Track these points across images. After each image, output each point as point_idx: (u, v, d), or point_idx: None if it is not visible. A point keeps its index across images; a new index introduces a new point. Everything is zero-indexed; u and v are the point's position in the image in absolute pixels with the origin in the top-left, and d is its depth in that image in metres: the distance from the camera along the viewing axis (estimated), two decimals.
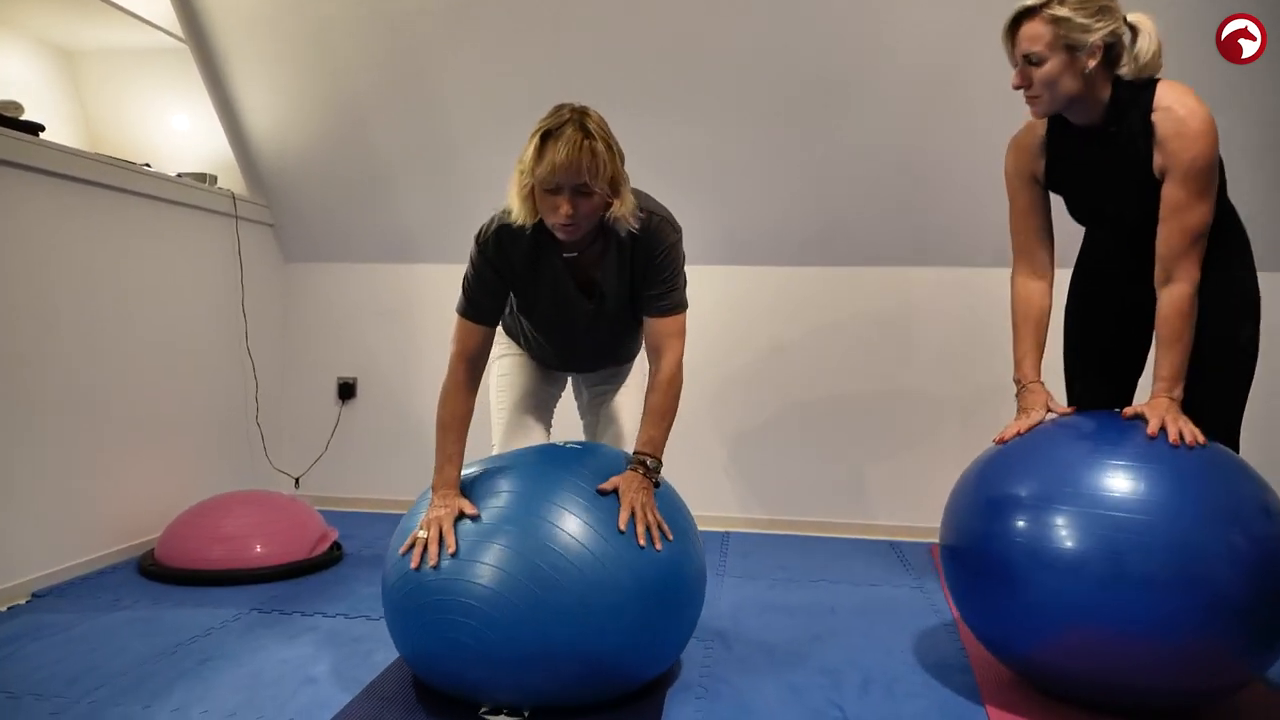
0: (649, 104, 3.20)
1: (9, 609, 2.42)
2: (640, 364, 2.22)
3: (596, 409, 2.24)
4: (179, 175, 3.22)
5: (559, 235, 1.79)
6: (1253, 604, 1.66)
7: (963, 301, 3.45)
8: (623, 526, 1.69)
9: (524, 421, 2.17)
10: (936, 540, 3.35)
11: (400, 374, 3.73)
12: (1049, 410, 2.01)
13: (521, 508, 1.72)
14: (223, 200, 3.37)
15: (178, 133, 3.49)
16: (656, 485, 1.83)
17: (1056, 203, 2.08)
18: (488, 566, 1.65)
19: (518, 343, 2.21)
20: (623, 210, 1.76)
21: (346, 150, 3.51)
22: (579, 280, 1.93)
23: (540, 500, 1.72)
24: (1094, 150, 1.93)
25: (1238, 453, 1.97)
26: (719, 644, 2.23)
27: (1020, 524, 1.79)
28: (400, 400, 3.70)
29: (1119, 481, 1.72)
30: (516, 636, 1.63)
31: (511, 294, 1.99)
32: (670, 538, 1.75)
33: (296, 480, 3.80)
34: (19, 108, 2.60)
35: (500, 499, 1.75)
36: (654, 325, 1.91)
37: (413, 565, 1.71)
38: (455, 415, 1.89)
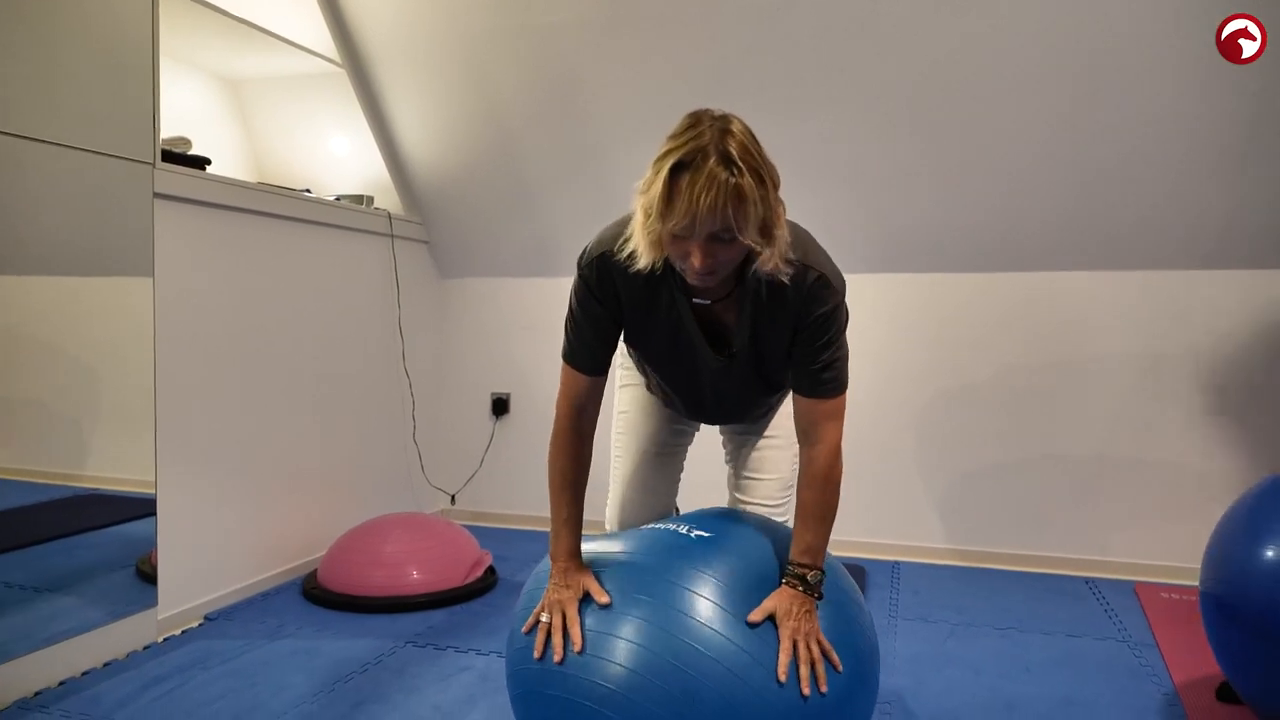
0: (806, 103, 2.98)
1: (183, 632, 2.49)
2: (789, 407, 1.80)
3: (738, 454, 1.88)
4: (337, 198, 3.26)
5: (690, 281, 1.42)
6: None
7: (1161, 308, 3.06)
8: (783, 674, 1.38)
9: (646, 473, 1.85)
10: (1140, 579, 3.06)
11: (552, 388, 3.61)
12: None
13: (652, 595, 1.46)
14: (379, 220, 3.39)
15: (335, 156, 3.55)
16: (819, 597, 1.48)
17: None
18: (618, 667, 1.40)
19: (643, 373, 1.83)
20: (774, 259, 1.38)
21: (499, 165, 3.46)
22: (707, 328, 1.56)
23: (674, 587, 1.46)
24: None
25: None
26: (898, 708, 2.01)
27: None
28: (552, 415, 3.63)
29: None
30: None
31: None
32: (839, 668, 1.43)
33: (452, 497, 3.81)
34: (187, 143, 2.67)
35: (627, 589, 1.49)
36: (804, 406, 1.53)
37: (535, 655, 1.47)
38: (565, 472, 1.61)
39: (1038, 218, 3.05)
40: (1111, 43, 2.68)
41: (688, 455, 1.95)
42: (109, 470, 2.41)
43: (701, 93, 3.05)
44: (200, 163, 2.63)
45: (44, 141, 2.11)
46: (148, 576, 2.45)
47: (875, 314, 3.28)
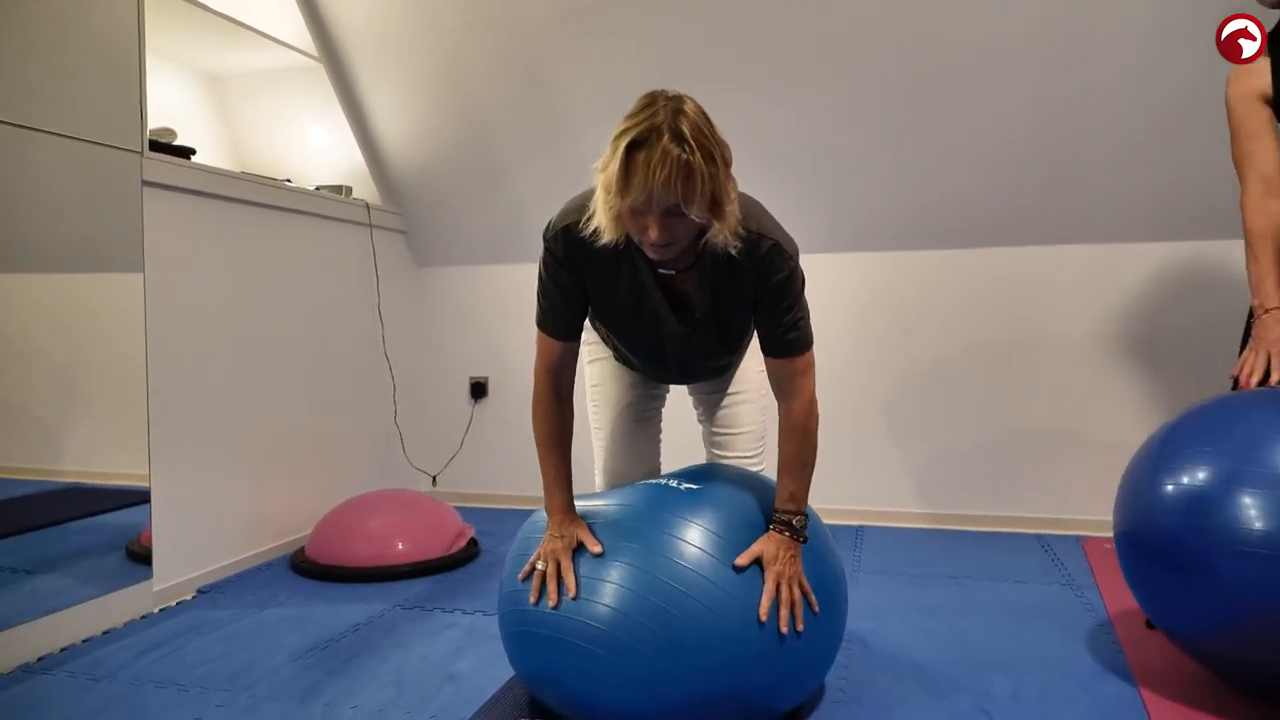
0: (769, 88, 3.13)
1: (178, 604, 2.59)
2: (752, 358, 1.92)
3: (710, 413, 2.00)
4: (317, 188, 3.37)
5: (649, 255, 1.51)
6: None
7: (1109, 280, 3.24)
8: (764, 614, 1.50)
9: (627, 439, 1.95)
10: (1087, 534, 3.24)
11: (528, 371, 3.75)
12: None
13: (640, 542, 1.59)
14: (357, 210, 3.50)
15: (314, 148, 3.65)
16: (804, 540, 1.62)
17: None
18: (605, 607, 1.53)
19: (608, 345, 1.93)
20: (724, 232, 1.47)
21: (473, 156, 3.58)
22: (671, 296, 1.66)
23: (660, 533, 1.59)
24: None
25: None
26: (859, 645, 2.16)
27: (1206, 506, 1.65)
28: (530, 397, 3.75)
29: None
30: (633, 678, 1.52)
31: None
32: (816, 610, 1.57)
33: (434, 478, 3.92)
34: (172, 134, 2.77)
35: (616, 537, 1.62)
36: (775, 366, 1.65)
37: (531, 600, 1.60)
38: (550, 432, 1.72)
39: (999, 195, 3.20)
40: (1066, 27, 2.84)
41: (664, 419, 2.07)
42: (93, 465, 2.48)
43: (671, 82, 3.19)
44: (186, 153, 2.73)
45: (36, 130, 2.20)
46: (138, 557, 2.53)
47: (842, 292, 3.44)
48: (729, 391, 1.94)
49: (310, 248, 3.25)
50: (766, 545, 1.57)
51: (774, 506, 1.64)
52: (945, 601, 2.51)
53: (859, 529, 3.36)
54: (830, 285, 3.40)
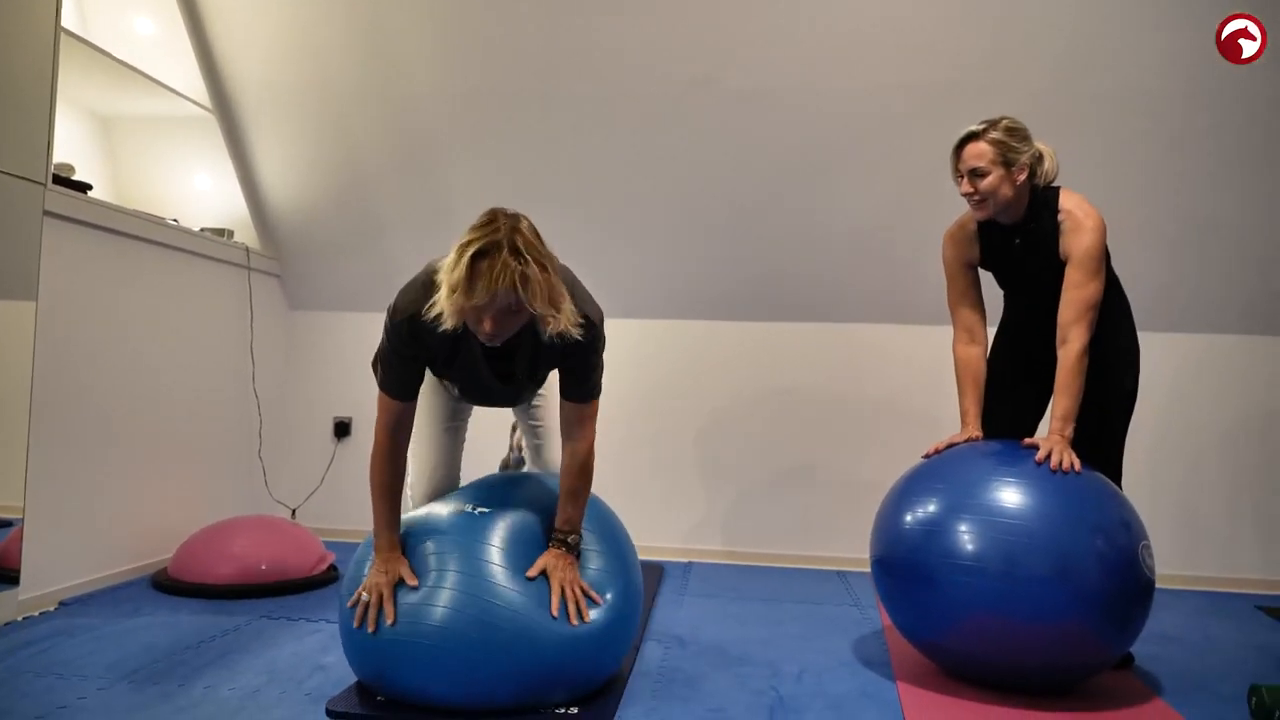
0: (612, 175, 3.61)
1: (40, 614, 2.69)
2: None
3: (525, 414, 2.38)
4: (201, 230, 3.58)
5: (482, 340, 1.83)
6: (1112, 596, 2.04)
7: (905, 356, 3.85)
8: (555, 611, 1.85)
9: (437, 443, 2.26)
10: None
11: None
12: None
13: (456, 563, 1.92)
14: (237, 253, 3.72)
15: (199, 191, 3.86)
16: (578, 555, 1.98)
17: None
18: (438, 609, 1.86)
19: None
20: (563, 324, 1.79)
21: (349, 211, 3.88)
22: (495, 364, 2.01)
23: (471, 556, 1.92)
24: (1017, 241, 2.41)
25: (1120, 475, 2.39)
26: (676, 645, 2.55)
27: (932, 532, 2.15)
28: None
29: (1011, 496, 2.10)
30: (460, 671, 1.84)
31: None
32: (599, 602, 1.94)
33: (293, 511, 4.08)
34: (71, 169, 2.96)
35: (436, 559, 1.94)
36: (568, 409, 1.99)
37: (355, 624, 1.91)
38: (385, 483, 2.00)
39: (818, 278, 3.78)
40: (861, 128, 3.46)
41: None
42: None
43: (534, 167, 3.63)
44: (84, 187, 2.92)
45: None
46: None
47: (674, 355, 3.93)
48: (535, 401, 2.36)
49: (191, 285, 3.45)
50: (548, 559, 1.94)
51: (554, 528, 1.99)
52: (753, 615, 2.94)
53: (689, 564, 3.78)
54: (667, 349, 3.89)
